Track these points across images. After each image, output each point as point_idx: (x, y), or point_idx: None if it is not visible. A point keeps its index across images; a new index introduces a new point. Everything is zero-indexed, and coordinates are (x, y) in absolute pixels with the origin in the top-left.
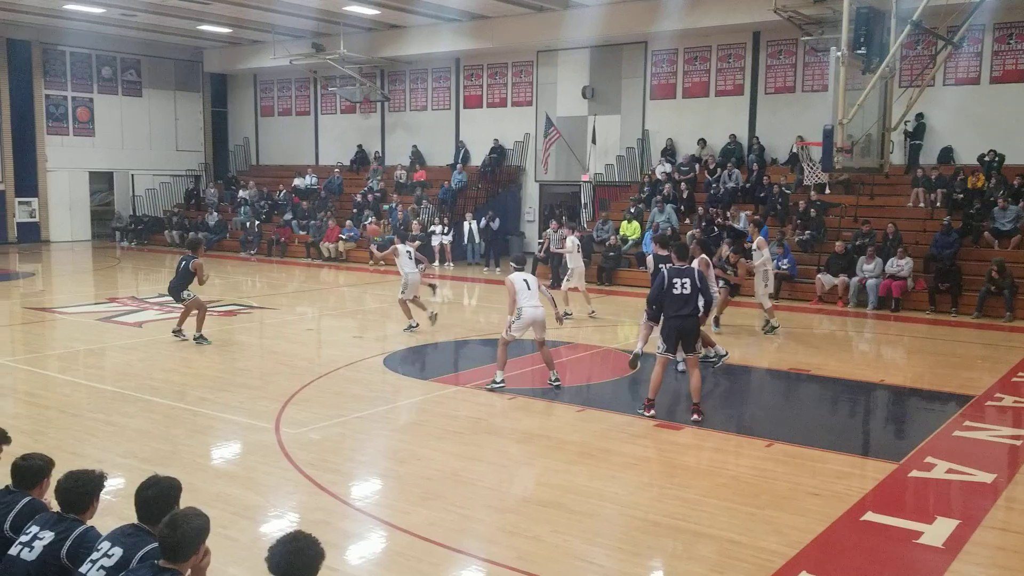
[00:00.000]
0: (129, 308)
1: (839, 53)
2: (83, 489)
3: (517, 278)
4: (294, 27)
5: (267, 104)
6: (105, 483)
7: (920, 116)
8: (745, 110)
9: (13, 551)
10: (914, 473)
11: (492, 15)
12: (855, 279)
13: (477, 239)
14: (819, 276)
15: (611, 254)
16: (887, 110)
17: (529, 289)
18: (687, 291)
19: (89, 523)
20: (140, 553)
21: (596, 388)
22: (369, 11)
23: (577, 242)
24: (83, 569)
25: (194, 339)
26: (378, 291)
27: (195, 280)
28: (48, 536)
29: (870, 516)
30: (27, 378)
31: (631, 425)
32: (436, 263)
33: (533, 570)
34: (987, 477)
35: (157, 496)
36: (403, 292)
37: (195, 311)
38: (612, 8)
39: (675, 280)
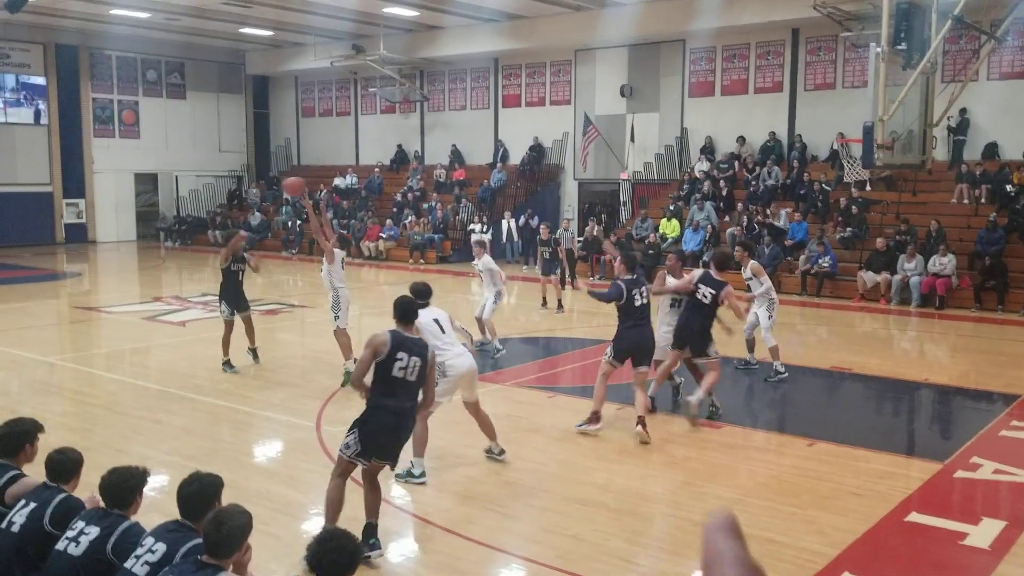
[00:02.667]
0: (173, 307)
1: (879, 49)
2: (126, 485)
3: (426, 318)
4: (334, 29)
5: (308, 105)
6: (148, 479)
7: (963, 111)
8: (784, 107)
9: (60, 546)
10: (960, 473)
11: (530, 15)
12: (897, 277)
13: (516, 238)
14: (861, 273)
15: (651, 252)
16: (929, 106)
17: (444, 333)
18: (646, 302)
19: (133, 519)
20: (183, 549)
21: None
22: (408, 12)
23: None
24: (128, 564)
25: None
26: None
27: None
28: (94, 531)
29: (914, 517)
30: (74, 376)
31: (671, 423)
32: (476, 261)
33: (574, 569)
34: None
35: (198, 492)
36: (337, 318)
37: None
38: (649, 6)
39: (633, 291)
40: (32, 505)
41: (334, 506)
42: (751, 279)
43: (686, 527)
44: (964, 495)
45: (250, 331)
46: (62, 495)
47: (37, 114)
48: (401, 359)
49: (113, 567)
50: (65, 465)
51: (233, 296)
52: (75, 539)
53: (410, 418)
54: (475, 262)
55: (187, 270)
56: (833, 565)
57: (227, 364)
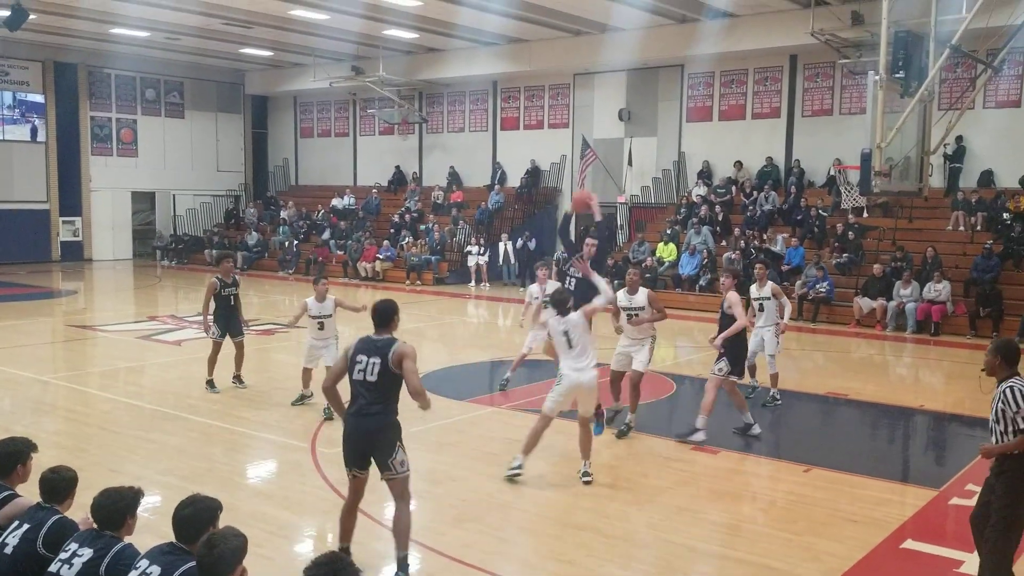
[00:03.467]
0: (169, 326)
1: (877, 76)
2: (118, 506)
3: (555, 328)
4: (334, 50)
5: (307, 125)
6: (141, 500)
7: (960, 139)
8: (782, 133)
9: (53, 568)
10: (955, 500)
11: (529, 39)
12: (892, 303)
13: (512, 260)
14: (857, 299)
15: (647, 275)
16: (926, 133)
17: (571, 347)
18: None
19: (127, 540)
20: (178, 572)
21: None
22: (408, 35)
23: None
24: None
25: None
26: (414, 311)
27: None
28: (87, 553)
29: (910, 544)
30: (68, 395)
31: (667, 448)
32: (472, 283)
33: None
34: None
35: (193, 516)
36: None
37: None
38: (648, 32)
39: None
40: (26, 527)
41: (340, 524)
42: (768, 299)
43: (681, 553)
44: (959, 522)
45: (239, 357)
46: (56, 516)
47: (34, 131)
48: (360, 361)
49: None
50: (59, 484)
51: (224, 319)
52: (68, 561)
53: (375, 421)
54: (535, 289)
55: (183, 289)
56: None
57: (210, 384)
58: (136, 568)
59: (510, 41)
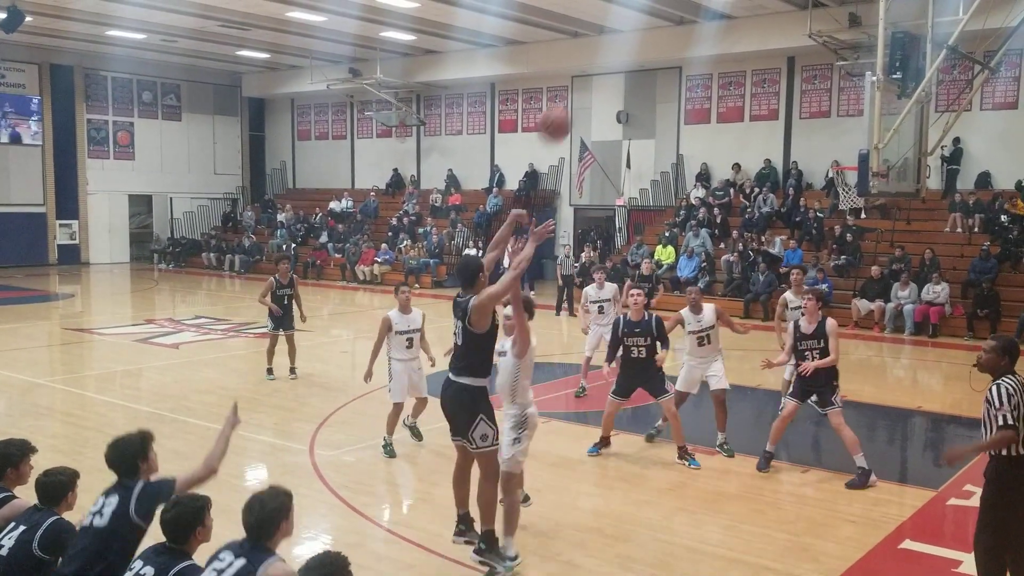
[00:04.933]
0: (166, 329)
1: (874, 78)
2: (126, 454)
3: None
4: (331, 52)
5: (304, 128)
6: (151, 442)
7: (957, 141)
8: (780, 135)
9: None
10: (953, 501)
11: (527, 41)
12: (891, 305)
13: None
14: (855, 301)
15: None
16: (923, 135)
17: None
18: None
19: (154, 478)
20: (172, 573)
21: (630, 412)
22: (405, 37)
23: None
24: None
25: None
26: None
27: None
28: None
29: (908, 544)
30: (66, 398)
31: (666, 450)
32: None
33: None
34: None
35: (178, 517)
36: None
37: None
38: (646, 34)
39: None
40: (22, 528)
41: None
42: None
43: (680, 553)
44: (958, 523)
45: (291, 351)
46: (53, 518)
47: (33, 134)
48: (454, 325)
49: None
50: (55, 487)
51: (278, 315)
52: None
53: (452, 388)
54: (592, 291)
55: (180, 292)
56: None
57: (269, 371)
58: (131, 569)
59: (508, 43)
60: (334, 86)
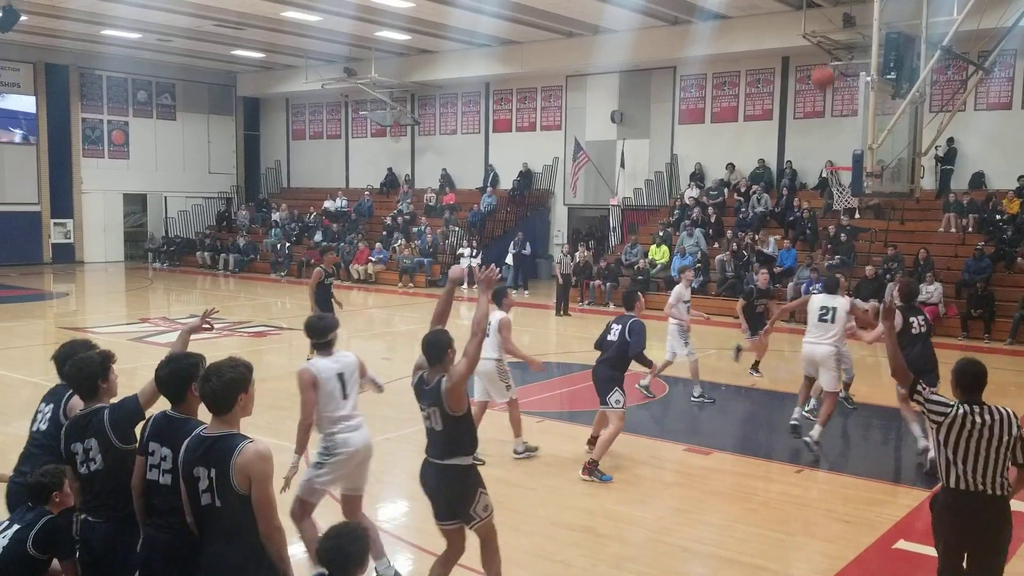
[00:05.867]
0: (161, 328)
1: (869, 78)
2: (84, 373)
3: (325, 368)
4: (326, 52)
5: (299, 127)
6: (111, 363)
7: (951, 141)
8: (774, 135)
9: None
10: None
11: (522, 40)
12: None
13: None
14: (854, 302)
15: (639, 278)
16: (917, 135)
17: (346, 396)
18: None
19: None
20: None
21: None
22: (400, 36)
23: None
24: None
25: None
26: (407, 313)
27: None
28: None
29: (902, 544)
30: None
31: (660, 449)
32: (465, 286)
33: None
34: (1020, 506)
35: (172, 375)
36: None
37: None
38: (641, 33)
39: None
40: (16, 527)
41: None
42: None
43: (674, 553)
44: None
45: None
46: (47, 517)
47: (26, 133)
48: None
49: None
50: (43, 486)
51: (323, 304)
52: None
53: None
54: (682, 290)
55: (175, 291)
56: None
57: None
58: (151, 454)
59: (502, 43)
60: (329, 86)
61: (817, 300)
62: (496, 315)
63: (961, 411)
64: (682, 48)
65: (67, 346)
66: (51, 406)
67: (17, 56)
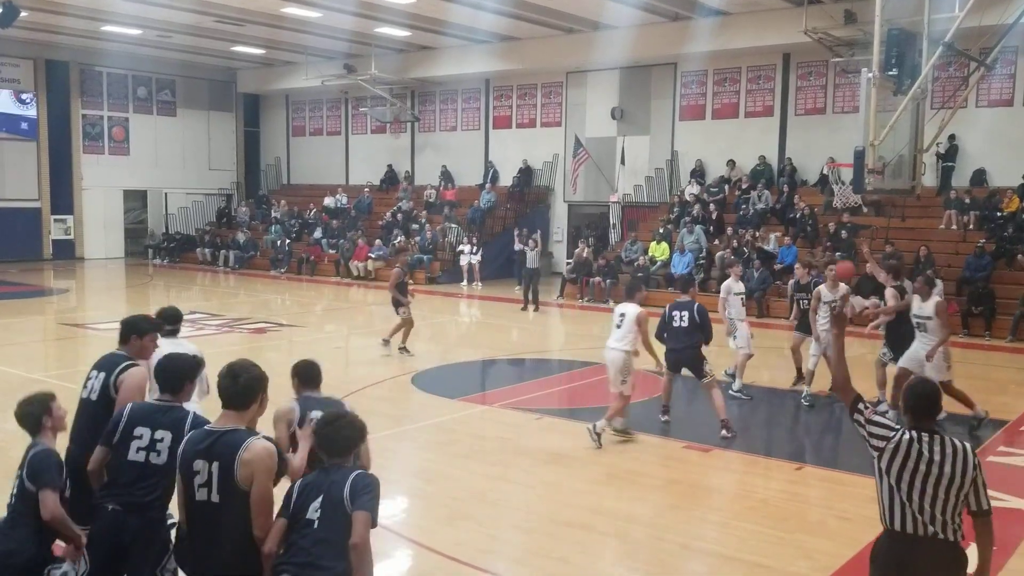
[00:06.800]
0: None
1: (870, 74)
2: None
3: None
4: (326, 48)
5: (299, 124)
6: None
7: (952, 138)
8: (775, 131)
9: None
10: None
11: (522, 37)
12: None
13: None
14: (850, 298)
15: (639, 275)
16: (919, 132)
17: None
18: (684, 324)
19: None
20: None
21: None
22: (400, 33)
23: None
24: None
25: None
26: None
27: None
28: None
29: None
30: (60, 393)
31: (659, 447)
32: (465, 282)
33: None
34: (1022, 504)
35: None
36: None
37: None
38: (642, 30)
39: (674, 313)
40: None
41: None
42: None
43: (674, 551)
44: None
45: (407, 329)
46: (36, 448)
47: (26, 130)
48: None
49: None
50: (32, 416)
51: (403, 297)
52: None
53: None
54: (733, 284)
55: (175, 288)
56: None
57: (403, 349)
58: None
59: (503, 39)
60: (329, 82)
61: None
62: (631, 308)
63: (907, 437)
64: (683, 44)
65: (132, 320)
66: (102, 375)
67: (17, 52)
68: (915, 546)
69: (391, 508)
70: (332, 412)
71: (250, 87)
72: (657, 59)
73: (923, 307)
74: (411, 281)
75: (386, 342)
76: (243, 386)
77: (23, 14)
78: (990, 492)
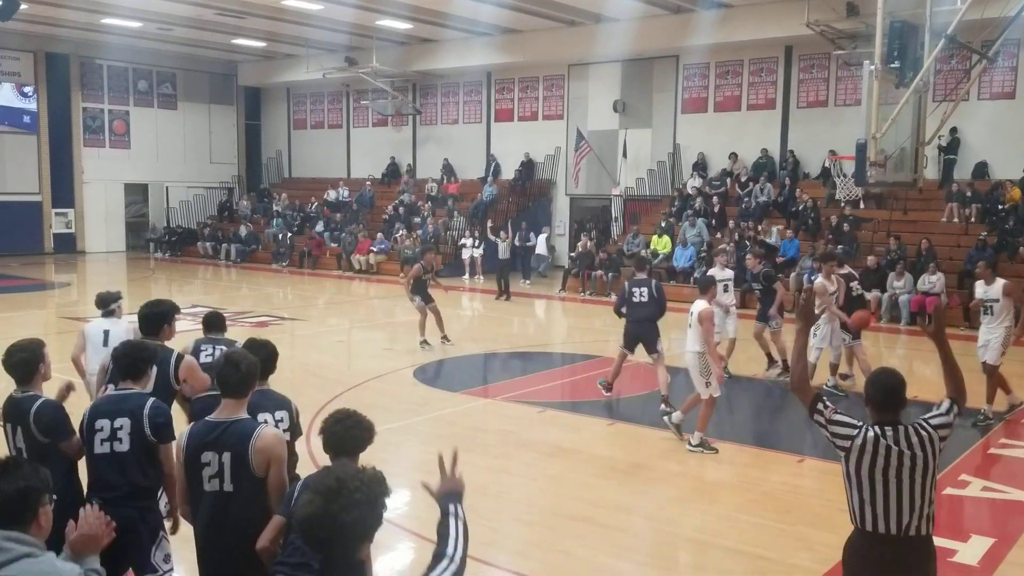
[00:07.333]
0: None
1: (872, 67)
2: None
3: (93, 330)
4: (327, 41)
5: (300, 117)
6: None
7: (954, 130)
8: (777, 124)
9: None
10: (948, 490)
11: (524, 29)
12: (887, 295)
13: (546, 251)
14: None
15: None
16: (921, 124)
17: (105, 345)
18: (644, 299)
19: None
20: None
21: (626, 402)
22: (402, 25)
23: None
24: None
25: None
26: (409, 304)
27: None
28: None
29: None
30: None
31: (661, 440)
32: (467, 276)
33: None
34: (1023, 495)
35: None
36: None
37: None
38: (644, 22)
39: (634, 289)
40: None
41: None
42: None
43: (676, 543)
44: (953, 512)
45: (439, 320)
46: (37, 402)
47: (27, 123)
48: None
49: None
50: (23, 363)
51: (422, 293)
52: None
53: None
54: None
55: (176, 282)
56: None
57: (424, 343)
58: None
59: (504, 32)
60: (330, 75)
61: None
62: (698, 305)
63: (871, 435)
64: (685, 37)
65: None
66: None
67: (18, 45)
68: (889, 547)
69: (393, 501)
70: (342, 411)
71: (251, 80)
72: (659, 52)
73: (988, 291)
74: (430, 278)
75: (425, 342)
76: (245, 374)
77: (23, 6)
78: (992, 484)
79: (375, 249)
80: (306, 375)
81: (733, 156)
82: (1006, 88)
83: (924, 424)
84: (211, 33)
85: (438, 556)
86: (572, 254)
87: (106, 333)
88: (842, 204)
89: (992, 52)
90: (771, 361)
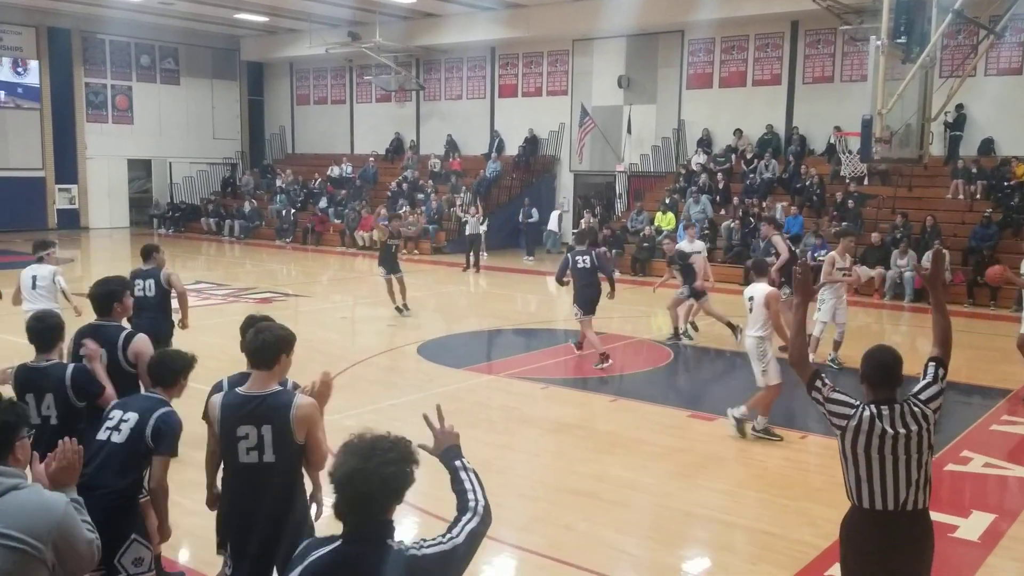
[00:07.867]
0: None
1: (879, 42)
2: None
3: (25, 275)
4: (331, 16)
5: (303, 93)
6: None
7: (960, 107)
8: (782, 100)
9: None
10: (950, 467)
11: (528, 4)
12: (891, 272)
13: (558, 229)
14: (855, 268)
15: (645, 244)
16: (927, 100)
17: (33, 288)
18: (587, 265)
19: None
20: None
21: (629, 378)
22: (405, 0)
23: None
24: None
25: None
26: (411, 280)
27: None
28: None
29: None
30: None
31: (664, 415)
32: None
33: (565, 558)
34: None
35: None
36: None
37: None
38: None
39: (577, 257)
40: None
41: None
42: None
43: (678, 518)
44: (954, 488)
45: (402, 290)
46: (64, 369)
47: (30, 98)
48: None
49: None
50: (47, 332)
51: (388, 262)
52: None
53: None
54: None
55: (180, 258)
56: (824, 556)
57: (397, 310)
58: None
59: (508, 6)
60: (333, 50)
61: None
62: (761, 288)
63: (867, 414)
64: (690, 12)
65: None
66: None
67: (20, 20)
68: (887, 523)
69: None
70: (257, 320)
71: (254, 55)
72: (664, 27)
73: None
74: (405, 252)
75: (399, 309)
76: (268, 342)
77: None
78: (994, 460)
79: (381, 224)
80: (310, 351)
81: (738, 132)
82: (1013, 64)
83: (916, 401)
84: (213, 7)
85: (462, 510)
86: (575, 231)
87: (34, 278)
88: (847, 180)
89: (1000, 27)
90: (676, 333)
